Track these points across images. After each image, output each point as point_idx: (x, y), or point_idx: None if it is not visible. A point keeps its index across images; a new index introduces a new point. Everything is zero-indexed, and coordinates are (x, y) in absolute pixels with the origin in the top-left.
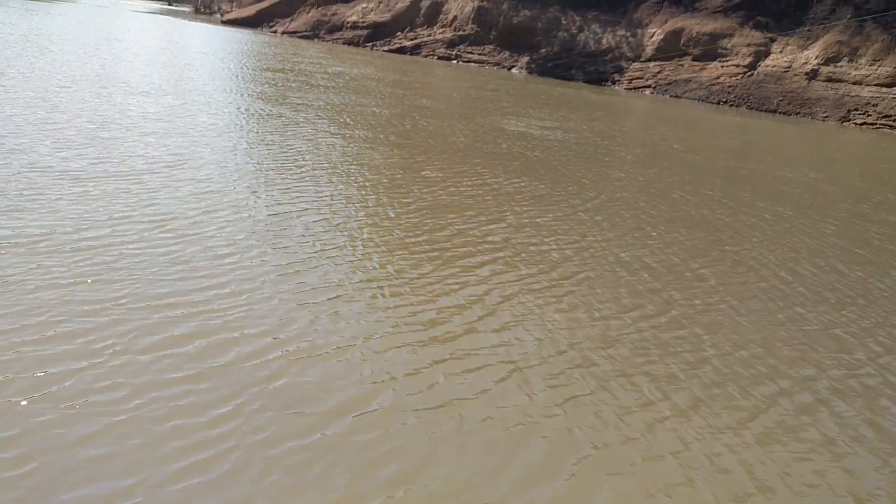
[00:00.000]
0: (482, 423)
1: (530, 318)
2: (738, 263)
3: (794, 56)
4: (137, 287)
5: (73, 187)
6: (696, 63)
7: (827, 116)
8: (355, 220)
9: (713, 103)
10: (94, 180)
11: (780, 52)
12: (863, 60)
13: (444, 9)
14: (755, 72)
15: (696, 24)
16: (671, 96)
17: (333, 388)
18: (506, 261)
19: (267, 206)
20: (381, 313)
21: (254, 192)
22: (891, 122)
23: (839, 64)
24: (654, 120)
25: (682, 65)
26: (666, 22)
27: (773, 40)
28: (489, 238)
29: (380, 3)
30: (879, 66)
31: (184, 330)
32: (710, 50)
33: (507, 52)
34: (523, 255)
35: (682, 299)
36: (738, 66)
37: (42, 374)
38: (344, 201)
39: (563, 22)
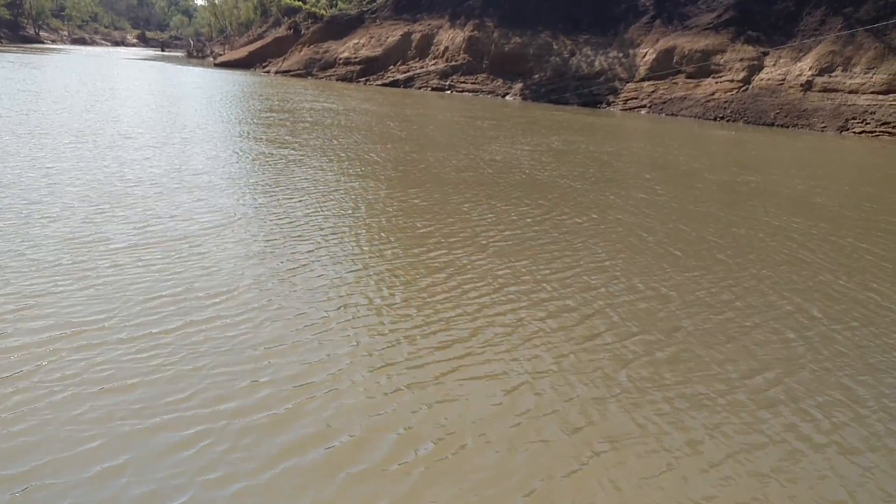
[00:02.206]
0: None
1: (675, 399)
2: (830, 298)
3: (787, 68)
4: (223, 384)
5: (123, 257)
6: (690, 80)
7: (825, 127)
8: (429, 278)
9: (710, 119)
10: (144, 248)
11: (774, 65)
12: (857, 69)
13: (435, 40)
14: (750, 86)
15: (687, 42)
16: (667, 115)
17: None
18: (605, 316)
19: (331, 267)
20: (514, 408)
21: (310, 251)
22: (890, 129)
23: (833, 74)
24: (658, 139)
25: (676, 83)
26: (657, 41)
27: (765, 54)
28: (572, 286)
29: (371, 38)
30: (874, 73)
31: (302, 432)
32: (703, 67)
33: (501, 80)
34: (622, 304)
35: (810, 349)
36: (732, 81)
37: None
38: (414, 255)
39: (555, 47)
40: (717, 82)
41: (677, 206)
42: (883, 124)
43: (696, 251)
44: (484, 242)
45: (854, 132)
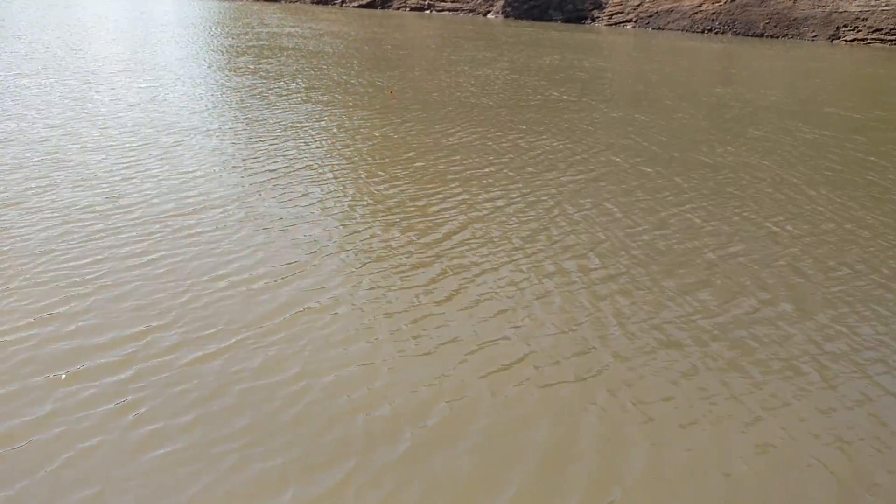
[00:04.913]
0: None
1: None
2: None
3: None
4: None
5: (174, 225)
6: None
7: (816, 36)
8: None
9: (697, 32)
10: (184, 215)
11: None
12: None
13: None
14: None
15: None
16: (653, 29)
17: None
18: (704, 257)
19: (367, 241)
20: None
21: (362, 214)
22: (882, 36)
23: None
24: (656, 55)
25: None
26: None
27: None
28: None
29: None
30: None
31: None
32: None
33: None
34: (718, 244)
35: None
36: None
37: None
38: (495, 207)
39: None
40: None
41: (733, 128)
42: (875, 31)
43: (761, 181)
44: (542, 191)
45: (846, 40)
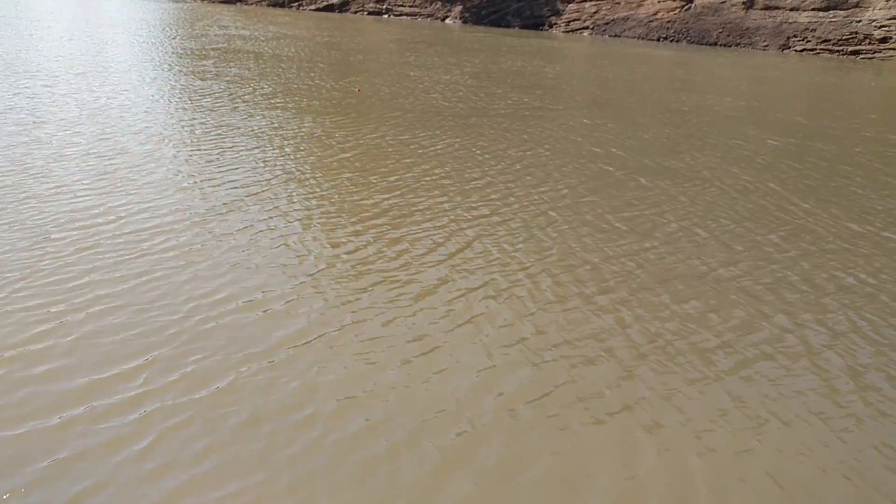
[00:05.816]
0: None
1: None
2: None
3: None
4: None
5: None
6: (632, 0)
7: (767, 45)
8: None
9: (653, 40)
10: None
11: None
12: None
13: None
14: (692, 4)
15: None
16: (610, 36)
17: None
18: (709, 271)
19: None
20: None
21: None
22: (829, 47)
23: None
24: (621, 63)
25: (618, 3)
26: None
27: None
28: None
29: None
30: None
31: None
32: None
33: (440, 2)
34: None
35: None
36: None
37: None
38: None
39: None
40: (659, 1)
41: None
42: (823, 42)
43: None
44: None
45: (795, 50)
